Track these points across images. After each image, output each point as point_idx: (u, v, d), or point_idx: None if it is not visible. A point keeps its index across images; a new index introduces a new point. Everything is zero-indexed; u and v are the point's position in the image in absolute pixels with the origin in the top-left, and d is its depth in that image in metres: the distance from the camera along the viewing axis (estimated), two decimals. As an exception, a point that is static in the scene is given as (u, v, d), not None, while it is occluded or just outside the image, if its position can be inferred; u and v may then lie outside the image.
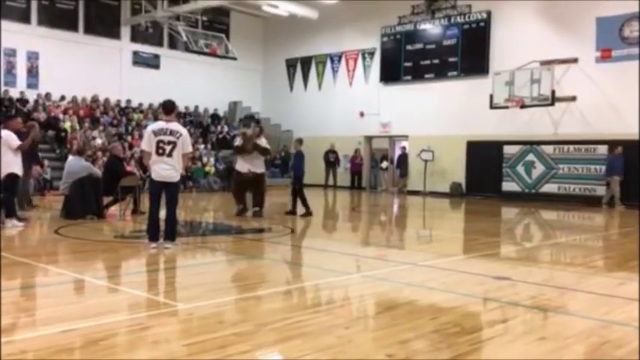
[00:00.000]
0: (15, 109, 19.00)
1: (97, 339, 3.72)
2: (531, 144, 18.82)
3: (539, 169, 18.71)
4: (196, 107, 24.44)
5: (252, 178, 12.00)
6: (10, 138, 9.06)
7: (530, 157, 18.87)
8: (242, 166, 12.04)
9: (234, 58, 21.90)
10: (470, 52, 20.33)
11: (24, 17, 19.94)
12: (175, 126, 7.39)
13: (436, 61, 21.28)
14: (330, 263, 6.93)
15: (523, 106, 18.04)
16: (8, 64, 19.65)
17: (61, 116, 19.55)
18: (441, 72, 21.13)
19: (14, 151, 9.00)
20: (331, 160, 22.93)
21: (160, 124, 7.38)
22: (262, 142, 12.17)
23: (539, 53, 17.99)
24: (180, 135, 7.29)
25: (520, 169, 19.10)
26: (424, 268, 6.67)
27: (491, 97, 18.52)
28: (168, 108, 7.45)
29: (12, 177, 9.01)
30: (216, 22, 24.56)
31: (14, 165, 9.02)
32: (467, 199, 19.21)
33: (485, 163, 19.53)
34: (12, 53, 19.68)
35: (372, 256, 7.80)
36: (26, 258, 6.60)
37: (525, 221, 14.02)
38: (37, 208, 12.28)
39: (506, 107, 18.36)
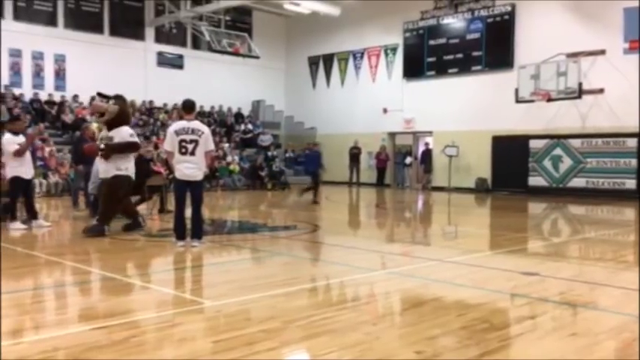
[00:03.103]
0: (43, 111, 19.38)
1: (126, 336, 3.78)
2: (558, 138, 18.54)
3: (566, 163, 18.43)
4: (220, 106, 24.61)
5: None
6: (8, 142, 9.10)
7: (558, 151, 18.59)
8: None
9: (257, 57, 21.98)
10: (494, 45, 20.09)
11: (51, 20, 20.28)
12: (197, 124, 7.45)
13: (460, 55, 21.08)
14: (356, 260, 6.92)
15: (549, 100, 17.77)
16: (36, 67, 20.03)
17: (88, 118, 19.83)
18: (464, 67, 20.93)
19: (13, 155, 9.02)
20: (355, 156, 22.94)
21: (181, 124, 7.44)
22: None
23: (565, 45, 17.69)
24: (202, 133, 7.34)
25: (547, 163, 18.84)
26: (451, 264, 6.62)
27: (517, 91, 18.28)
28: (188, 107, 7.52)
29: (14, 180, 9.09)
30: (239, 21, 24.67)
31: (16, 169, 9.07)
32: (492, 195, 19.02)
33: (511, 157, 19.29)
34: (40, 56, 20.05)
35: (398, 253, 7.77)
36: (57, 257, 6.73)
37: (553, 216, 13.83)
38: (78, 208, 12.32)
39: (532, 101, 18.12)
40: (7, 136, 9.18)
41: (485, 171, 20.32)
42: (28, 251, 7.24)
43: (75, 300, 5.05)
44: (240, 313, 4.43)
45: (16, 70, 19.59)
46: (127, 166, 8.57)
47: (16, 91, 19.27)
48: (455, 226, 11.89)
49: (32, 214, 9.38)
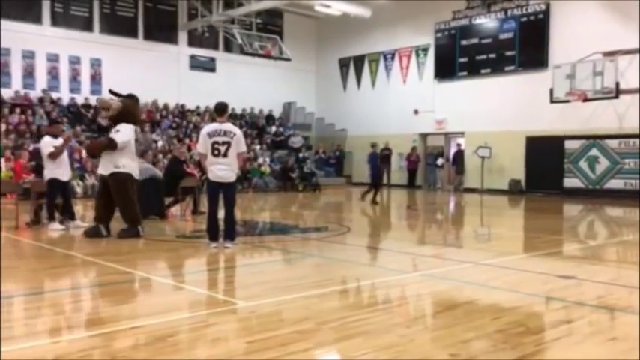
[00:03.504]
0: (80, 114, 19.81)
1: (163, 335, 3.84)
2: (594, 138, 18.16)
3: (603, 164, 18.04)
4: (251, 108, 24.80)
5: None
6: (45, 145, 9.34)
7: (594, 152, 18.21)
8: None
9: (288, 59, 22.09)
10: (528, 45, 19.79)
11: (87, 26, 20.75)
12: (229, 127, 7.52)
13: (492, 55, 20.83)
14: (388, 262, 6.90)
15: (585, 100, 17.41)
16: (73, 71, 20.50)
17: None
18: (497, 67, 20.68)
19: (48, 157, 9.24)
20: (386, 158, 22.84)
21: (213, 126, 7.52)
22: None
23: (601, 44, 17.32)
24: (234, 135, 7.41)
25: (583, 164, 18.47)
26: (484, 266, 6.54)
27: (551, 91, 17.97)
28: (220, 109, 7.60)
29: (51, 182, 9.31)
30: (270, 24, 24.84)
31: (53, 171, 9.29)
32: (526, 197, 18.73)
33: (546, 159, 18.96)
34: (76, 61, 20.52)
35: (431, 255, 7.71)
36: (94, 257, 6.87)
37: (589, 218, 13.55)
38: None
39: (567, 101, 17.78)
40: (46, 139, 9.43)
41: (518, 172, 20.02)
42: (65, 251, 7.41)
43: (113, 299, 5.15)
44: (274, 314, 4.45)
45: (54, 75, 20.09)
46: (124, 164, 8.41)
47: (54, 95, 19.75)
48: (488, 228, 11.75)
49: (70, 216, 9.60)
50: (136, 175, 8.68)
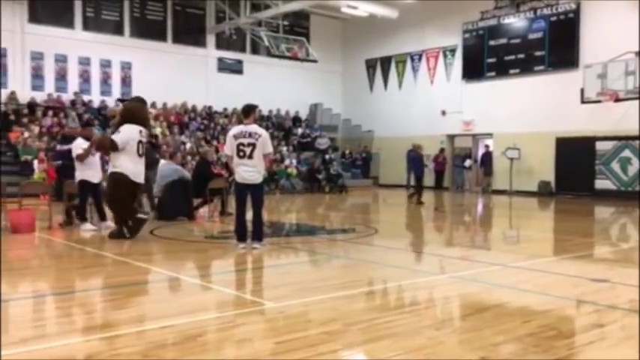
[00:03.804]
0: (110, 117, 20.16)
1: (193, 335, 3.88)
2: (627, 139, 17.79)
3: (636, 165, 17.67)
4: (278, 110, 24.91)
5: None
6: (76, 147, 9.50)
7: (626, 153, 17.84)
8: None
9: (315, 61, 22.15)
10: (558, 45, 19.49)
11: (117, 29, 21.11)
12: (254, 128, 7.56)
13: (521, 55, 20.57)
14: (416, 264, 6.87)
15: (617, 100, 17.06)
16: (104, 75, 20.89)
17: (152, 122, 20.49)
18: (526, 67, 20.41)
19: (77, 159, 9.40)
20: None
21: (239, 128, 7.57)
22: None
23: (633, 43, 16.93)
24: (260, 136, 7.44)
25: (615, 165, 18.11)
26: (514, 269, 6.46)
27: (582, 91, 17.67)
28: (246, 111, 7.67)
29: (81, 184, 9.48)
30: (297, 25, 24.94)
31: (83, 172, 9.45)
32: (556, 198, 18.44)
33: (576, 160, 18.65)
34: (107, 64, 20.90)
35: (459, 257, 7.64)
36: (125, 257, 6.98)
37: (621, 221, 13.28)
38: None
39: (599, 101, 17.45)
40: (78, 141, 9.61)
41: (548, 174, 19.72)
42: (97, 251, 7.54)
43: (144, 299, 5.23)
44: (302, 315, 4.47)
45: (85, 78, 20.49)
46: (120, 164, 8.31)
47: (85, 98, 20.13)
48: (517, 230, 11.60)
49: (101, 216, 9.76)
50: (133, 175, 8.37)
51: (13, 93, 18.75)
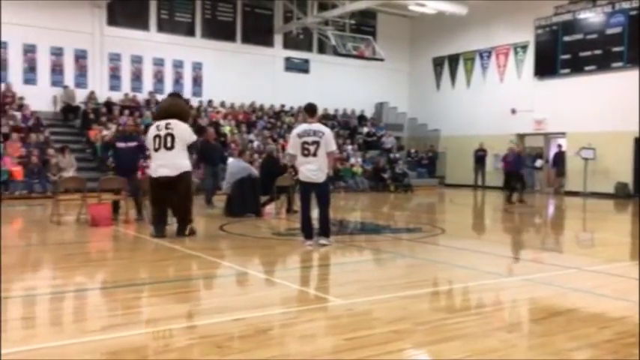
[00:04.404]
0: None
1: (264, 328, 3.97)
2: None
3: None
4: (344, 109, 24.95)
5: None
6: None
7: None
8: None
9: (382, 59, 22.04)
10: (638, 40, 18.55)
11: (190, 31, 21.74)
12: (318, 126, 7.61)
13: (598, 51, 19.73)
14: (486, 265, 6.73)
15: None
16: (176, 75, 21.58)
17: (221, 121, 21.02)
18: (603, 63, 19.55)
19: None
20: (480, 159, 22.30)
21: (303, 127, 7.62)
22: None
23: None
24: (323, 134, 7.47)
25: (699, 167, 17.09)
26: (590, 273, 6.23)
27: (665, 88, 16.78)
28: (311, 110, 7.73)
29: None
30: (364, 24, 24.88)
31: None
32: (635, 201, 17.57)
33: (657, 161, 17.72)
34: (179, 64, 21.58)
35: (530, 259, 7.43)
36: (197, 252, 7.20)
37: None
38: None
39: (682, 99, 16.52)
40: None
41: (626, 175, 18.84)
42: (170, 245, 7.80)
43: (217, 292, 5.39)
44: (369, 313, 4.48)
45: (159, 78, 21.23)
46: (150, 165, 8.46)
47: (159, 97, 20.81)
48: (592, 233, 11.15)
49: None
50: (152, 171, 8.28)
51: (92, 93, 19.68)
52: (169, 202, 8.29)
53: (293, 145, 7.58)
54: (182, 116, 8.50)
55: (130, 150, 10.51)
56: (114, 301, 4.86)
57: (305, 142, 7.43)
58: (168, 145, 8.06)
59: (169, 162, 8.06)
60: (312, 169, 7.44)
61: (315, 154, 7.42)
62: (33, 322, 4.24)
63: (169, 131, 8.09)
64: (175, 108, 8.67)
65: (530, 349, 3.69)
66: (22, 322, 4.17)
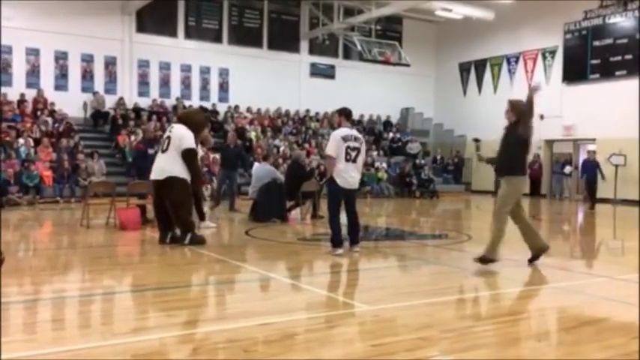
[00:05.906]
0: (209, 121, 20.98)
1: (291, 334, 3.97)
2: None
3: None
4: (370, 115, 24.92)
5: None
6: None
7: None
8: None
9: (408, 65, 21.98)
10: (670, 44, 18.21)
11: (216, 37, 21.99)
12: (356, 132, 7.60)
13: (629, 56, 19.40)
14: (512, 272, 6.64)
15: None
16: (203, 81, 21.84)
17: (247, 126, 21.16)
18: (635, 68, 19.20)
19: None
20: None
21: (346, 131, 7.41)
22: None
23: None
24: (362, 142, 7.48)
25: None
26: (622, 282, 6.10)
27: (698, 93, 16.39)
28: (349, 114, 7.60)
29: None
30: (390, 30, 24.87)
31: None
32: (667, 209, 17.16)
33: (691, 168, 17.29)
34: (206, 71, 21.82)
35: (559, 267, 7.31)
36: (223, 256, 7.25)
37: None
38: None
39: None
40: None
41: (657, 182, 18.43)
42: (196, 249, 7.85)
43: (242, 296, 5.40)
44: (396, 319, 4.45)
45: (186, 84, 21.50)
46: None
47: (186, 103, 21.08)
48: (623, 241, 10.92)
49: (200, 216, 10.16)
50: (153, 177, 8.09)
51: (121, 99, 20.00)
52: (165, 207, 8.00)
53: (336, 148, 7.20)
54: (189, 124, 8.14)
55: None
56: (142, 304, 4.92)
57: (349, 147, 7.25)
58: (164, 147, 7.93)
59: (159, 165, 7.92)
60: (354, 176, 7.33)
61: (355, 160, 7.31)
62: (62, 324, 4.31)
63: (169, 134, 8.02)
64: (188, 115, 8.75)
65: (562, 357, 3.63)
66: (52, 324, 4.24)
